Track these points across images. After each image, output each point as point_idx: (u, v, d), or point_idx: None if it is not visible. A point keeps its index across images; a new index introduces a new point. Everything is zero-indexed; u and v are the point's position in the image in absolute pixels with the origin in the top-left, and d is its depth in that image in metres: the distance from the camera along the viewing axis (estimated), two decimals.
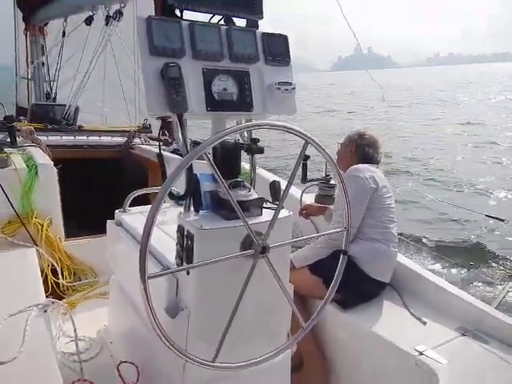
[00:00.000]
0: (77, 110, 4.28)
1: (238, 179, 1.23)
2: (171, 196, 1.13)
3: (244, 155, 1.32)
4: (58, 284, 2.42)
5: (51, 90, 5.31)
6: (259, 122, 1.09)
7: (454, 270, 5.29)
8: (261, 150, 1.30)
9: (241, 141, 1.33)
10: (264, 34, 1.29)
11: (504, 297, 3.08)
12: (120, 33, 3.94)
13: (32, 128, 3.19)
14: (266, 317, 1.34)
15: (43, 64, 5.20)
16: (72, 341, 1.78)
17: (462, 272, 5.28)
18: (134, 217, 1.74)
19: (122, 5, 3.43)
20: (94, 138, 3.88)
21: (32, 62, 5.13)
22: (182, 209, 1.23)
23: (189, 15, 1.21)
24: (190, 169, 1.13)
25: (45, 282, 2.25)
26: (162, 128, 3.60)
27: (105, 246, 1.91)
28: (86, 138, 3.85)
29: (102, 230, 1.97)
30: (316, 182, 2.76)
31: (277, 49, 1.30)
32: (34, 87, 5.34)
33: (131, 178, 3.69)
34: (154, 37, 1.10)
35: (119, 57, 4.89)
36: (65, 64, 5.08)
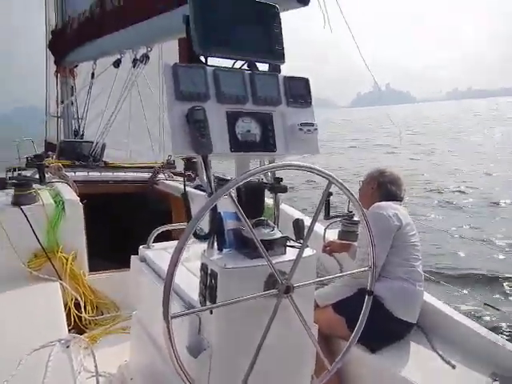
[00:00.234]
0: (103, 146, 4.42)
1: (262, 218, 1.24)
2: (196, 235, 1.15)
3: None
4: (80, 318, 2.44)
5: (79, 127, 5.53)
6: (284, 163, 1.11)
7: (484, 310, 5.05)
8: (284, 189, 1.32)
9: (264, 180, 1.35)
10: (286, 78, 1.32)
11: None
12: (145, 73, 4.11)
13: (60, 165, 3.30)
14: (290, 358, 1.31)
15: (72, 103, 5.44)
16: (93, 376, 1.77)
17: (495, 313, 5.04)
18: (157, 253, 1.76)
19: (149, 48, 3.60)
20: (119, 174, 3.99)
21: (62, 102, 5.38)
22: (204, 245, 1.24)
23: (213, 60, 1.26)
24: (214, 208, 1.15)
25: (68, 315, 2.28)
26: (186, 169, 3.67)
27: (128, 280, 1.93)
28: (111, 173, 3.96)
29: (125, 264, 1.99)
30: (339, 219, 2.75)
31: (298, 91, 1.33)
32: (63, 125, 5.57)
33: (155, 212, 3.74)
34: (180, 82, 1.15)
35: (144, 95, 5.09)
36: (92, 102, 5.30)
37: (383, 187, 2.28)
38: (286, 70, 1.35)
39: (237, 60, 1.29)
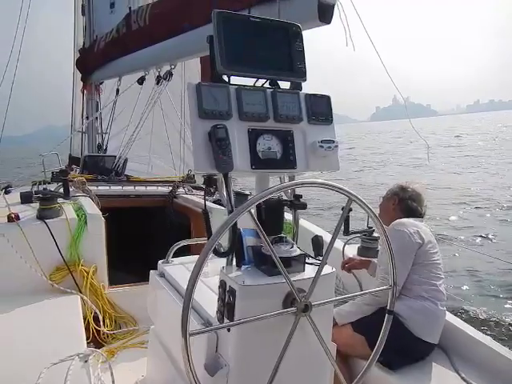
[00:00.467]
0: (125, 161, 4.52)
1: (281, 235, 1.24)
2: (215, 252, 1.15)
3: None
4: (98, 331, 2.46)
5: (103, 141, 5.67)
6: (305, 180, 1.11)
7: (510, 331, 4.86)
8: (304, 206, 1.32)
9: (284, 197, 1.36)
10: (307, 95, 1.34)
11: None
12: (168, 89, 4.20)
13: (84, 179, 3.38)
14: (308, 377, 1.29)
15: (97, 118, 5.60)
16: None
17: None
18: (176, 268, 1.77)
19: (172, 66, 3.69)
20: (140, 188, 4.05)
21: (87, 118, 5.54)
22: (223, 260, 1.25)
23: (236, 78, 1.28)
24: (234, 225, 1.15)
25: (87, 328, 2.30)
26: (206, 184, 3.69)
27: (147, 294, 1.94)
28: (132, 187, 4.03)
29: (144, 278, 2.00)
30: (358, 235, 2.72)
31: (320, 109, 1.34)
32: (87, 139, 5.73)
33: (174, 226, 3.78)
34: (203, 101, 1.17)
35: (167, 111, 5.19)
36: (116, 118, 5.45)
37: (404, 203, 2.25)
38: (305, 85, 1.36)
39: (259, 78, 1.31)
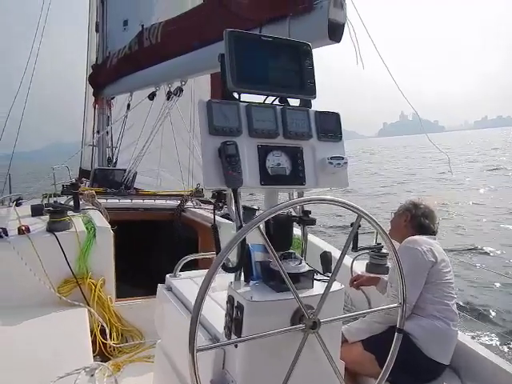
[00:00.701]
0: (135, 174, 4.56)
1: (290, 251, 1.24)
2: (224, 267, 1.16)
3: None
4: (105, 344, 2.46)
5: (113, 155, 5.74)
6: (315, 197, 1.12)
7: None
8: (312, 222, 1.32)
9: (293, 213, 1.36)
10: (317, 113, 1.35)
11: None
12: (178, 104, 4.26)
13: (94, 192, 3.41)
14: None
15: (107, 132, 5.68)
16: None
17: None
18: (183, 283, 1.77)
19: (183, 82, 3.75)
20: (149, 201, 4.08)
21: (98, 132, 5.62)
22: (231, 275, 1.24)
23: (245, 95, 1.30)
24: (243, 240, 1.16)
25: (93, 341, 2.30)
26: (216, 199, 3.72)
27: (153, 308, 1.94)
28: (141, 201, 4.06)
29: (152, 291, 2.00)
30: (367, 251, 2.71)
31: (329, 126, 1.35)
32: (97, 153, 5.80)
33: (182, 240, 3.79)
34: (213, 118, 1.18)
35: (176, 125, 5.25)
36: (126, 131, 5.52)
37: (416, 220, 2.24)
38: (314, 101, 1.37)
39: (269, 95, 1.33)
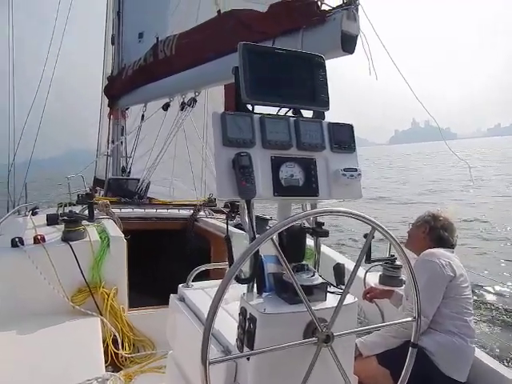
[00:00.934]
0: (148, 184, 4.60)
1: (303, 262, 1.23)
2: (236, 279, 1.15)
3: None
4: (117, 354, 2.46)
5: (127, 165, 5.81)
6: (328, 208, 1.11)
7: None
8: (326, 234, 1.31)
9: (306, 224, 1.35)
10: (330, 124, 1.35)
11: None
12: (192, 115, 4.31)
13: (108, 202, 3.45)
14: None
15: (122, 142, 5.76)
16: None
17: None
18: (196, 293, 1.77)
19: (197, 93, 3.80)
20: (162, 211, 4.10)
21: (113, 142, 5.70)
22: (243, 286, 1.24)
23: (259, 106, 1.31)
24: (256, 252, 1.15)
25: (105, 351, 2.30)
26: (229, 210, 3.74)
27: (166, 318, 1.94)
28: (154, 210, 4.08)
29: (164, 301, 2.00)
30: (381, 263, 2.67)
31: (342, 137, 1.35)
32: (111, 162, 5.88)
33: (195, 249, 3.80)
34: (227, 130, 1.19)
35: (189, 134, 5.29)
36: (140, 142, 5.59)
37: (435, 232, 2.20)
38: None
39: (282, 107, 1.33)
